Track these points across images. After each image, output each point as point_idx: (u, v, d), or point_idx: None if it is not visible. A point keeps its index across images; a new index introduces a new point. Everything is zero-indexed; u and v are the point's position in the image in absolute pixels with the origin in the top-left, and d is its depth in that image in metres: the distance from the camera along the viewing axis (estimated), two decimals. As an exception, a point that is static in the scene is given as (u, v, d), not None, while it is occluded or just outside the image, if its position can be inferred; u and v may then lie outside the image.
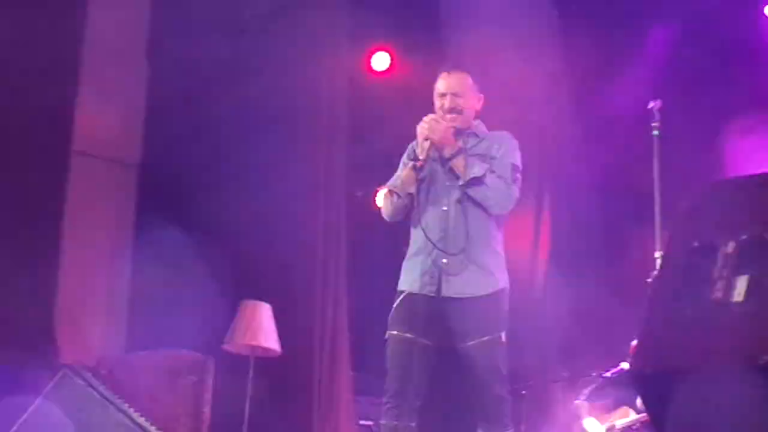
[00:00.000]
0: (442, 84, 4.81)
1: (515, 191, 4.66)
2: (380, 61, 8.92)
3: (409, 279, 4.66)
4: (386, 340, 4.65)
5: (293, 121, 7.89)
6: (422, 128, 4.68)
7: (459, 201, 4.62)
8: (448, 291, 4.53)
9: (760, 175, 2.92)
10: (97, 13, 7.54)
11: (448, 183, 4.67)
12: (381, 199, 4.94)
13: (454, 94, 4.76)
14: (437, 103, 4.80)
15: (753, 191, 2.84)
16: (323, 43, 8.05)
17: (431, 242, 4.57)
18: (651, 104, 5.87)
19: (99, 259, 7.73)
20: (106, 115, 7.85)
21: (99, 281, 7.72)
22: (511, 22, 8.19)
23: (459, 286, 4.53)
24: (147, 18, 8.22)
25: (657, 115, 5.83)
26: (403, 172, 4.75)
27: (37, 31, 6.99)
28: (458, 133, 4.76)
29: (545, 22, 8.36)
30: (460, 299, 4.52)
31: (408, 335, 4.54)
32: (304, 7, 8.04)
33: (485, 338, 4.46)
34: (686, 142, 7.53)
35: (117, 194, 7.94)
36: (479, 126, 4.89)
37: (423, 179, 4.68)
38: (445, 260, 4.56)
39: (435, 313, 4.54)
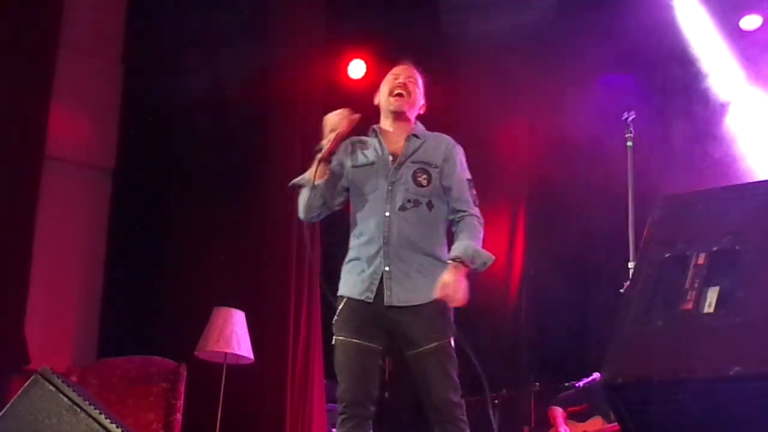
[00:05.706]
0: (397, 69, 4.77)
1: (480, 217, 4.53)
2: (356, 69, 8.93)
3: (349, 284, 4.56)
4: (333, 346, 4.55)
5: (268, 127, 7.88)
6: (330, 120, 4.67)
7: (402, 208, 4.52)
8: (391, 300, 4.44)
9: (731, 188, 2.94)
10: (72, 17, 7.51)
11: (390, 188, 4.57)
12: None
13: (408, 76, 4.72)
14: (388, 85, 4.72)
15: (724, 203, 2.85)
16: (299, 50, 8.05)
17: (372, 249, 4.49)
18: (625, 115, 5.89)
19: (72, 265, 7.69)
20: (80, 120, 7.82)
21: (72, 287, 7.68)
22: (487, 35, 8.22)
23: (403, 294, 4.43)
24: (122, 22, 8.19)
25: (631, 126, 5.84)
26: (311, 167, 4.64)
27: (11, 34, 6.96)
28: (400, 133, 4.67)
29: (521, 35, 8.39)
30: (405, 308, 4.43)
31: (354, 340, 4.44)
32: (280, 15, 8.04)
33: (433, 345, 4.36)
34: (660, 152, 7.59)
35: (90, 200, 7.90)
36: (418, 126, 4.76)
37: (365, 180, 4.60)
38: (387, 268, 4.48)
39: (379, 319, 4.43)
